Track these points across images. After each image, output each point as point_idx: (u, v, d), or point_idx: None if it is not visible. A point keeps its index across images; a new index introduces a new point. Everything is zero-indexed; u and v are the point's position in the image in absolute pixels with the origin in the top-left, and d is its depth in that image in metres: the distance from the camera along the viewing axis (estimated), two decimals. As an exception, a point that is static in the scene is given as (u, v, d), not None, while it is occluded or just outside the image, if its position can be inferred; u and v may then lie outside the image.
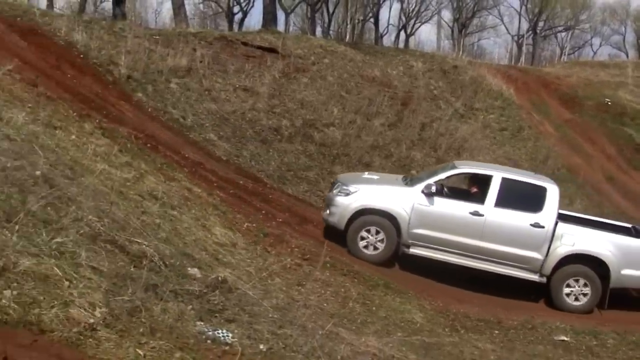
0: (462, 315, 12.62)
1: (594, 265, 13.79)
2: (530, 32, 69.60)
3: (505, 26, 72.36)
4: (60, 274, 5.33)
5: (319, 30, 52.76)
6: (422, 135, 22.87)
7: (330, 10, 57.11)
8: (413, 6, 64.91)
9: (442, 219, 13.88)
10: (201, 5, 66.32)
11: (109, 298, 5.41)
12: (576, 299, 13.87)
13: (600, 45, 77.47)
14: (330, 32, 56.52)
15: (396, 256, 14.16)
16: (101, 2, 63.70)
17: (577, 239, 13.89)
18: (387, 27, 66.46)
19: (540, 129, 27.78)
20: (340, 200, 14.28)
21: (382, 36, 62.99)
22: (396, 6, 65.46)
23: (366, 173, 16.45)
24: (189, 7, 42.47)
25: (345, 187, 14.44)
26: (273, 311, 7.60)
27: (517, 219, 13.83)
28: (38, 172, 7.04)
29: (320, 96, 22.03)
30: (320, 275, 11.06)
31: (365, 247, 14.01)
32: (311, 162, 18.88)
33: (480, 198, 14.05)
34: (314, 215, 15.41)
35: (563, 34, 73.46)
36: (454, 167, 15.08)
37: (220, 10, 63.41)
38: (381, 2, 60.80)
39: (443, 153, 22.32)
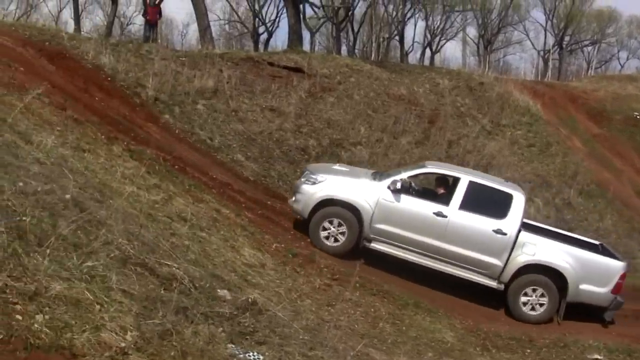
0: (493, 334, 12.52)
1: (553, 276, 13.73)
2: (556, 46, 69.27)
3: (530, 41, 72.21)
4: (91, 297, 5.33)
5: (344, 49, 52.83)
6: (450, 153, 22.80)
7: (355, 29, 57.17)
8: (438, 23, 64.98)
9: (405, 216, 13.88)
10: (227, 27, 66.86)
11: (140, 321, 5.40)
12: (532, 309, 13.80)
13: (627, 59, 77.09)
14: (356, 50, 56.61)
15: (356, 249, 14.05)
16: (127, 24, 64.34)
17: (538, 249, 13.81)
18: (413, 44, 66.55)
19: (569, 144, 27.61)
20: (307, 188, 14.34)
21: (407, 54, 63.02)
22: (421, 24, 65.77)
23: (337, 164, 16.55)
24: (214, 29, 42.74)
25: (312, 176, 14.50)
26: (303, 333, 7.56)
27: (480, 224, 13.78)
28: (68, 196, 7.05)
29: (346, 115, 22.04)
30: (349, 296, 11.00)
31: (327, 237, 14.03)
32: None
33: (446, 199, 14.05)
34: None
35: (589, 48, 73.19)
36: (423, 166, 15.22)
37: (246, 30, 63.89)
38: (406, 20, 60.84)
39: (471, 170, 22.25)
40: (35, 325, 4.70)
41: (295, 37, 31.71)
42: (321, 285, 11.49)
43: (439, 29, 65.53)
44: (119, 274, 5.94)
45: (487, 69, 42.14)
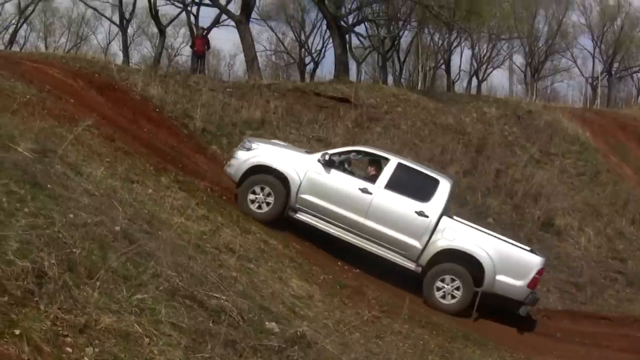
0: (544, 368, 12.31)
1: (470, 266, 13.76)
2: (605, 73, 68.38)
3: (578, 68, 71.30)
4: (140, 331, 5.31)
5: (390, 78, 52.84)
6: (498, 182, 22.63)
7: (402, 59, 57.14)
8: (484, 52, 64.61)
9: (331, 190, 14.12)
10: (273, 57, 67.26)
11: (189, 355, 5.36)
12: (445, 297, 13.87)
13: (678, 85, 75.76)
14: (402, 80, 56.52)
15: (281, 218, 14.29)
16: (175, 56, 65.06)
17: (458, 235, 13.95)
18: (459, 73, 66.35)
19: (619, 172, 27.26)
20: (241, 154, 14.74)
21: (454, 83, 62.84)
22: (467, 52, 65.20)
23: (275, 140, 16.89)
24: (261, 59, 43.09)
25: (248, 143, 14.97)
26: (353, 366, 7.48)
27: (404, 204, 13.96)
28: (117, 228, 7.07)
29: (393, 145, 21.96)
30: (398, 328, 10.86)
31: (253, 202, 14.20)
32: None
33: (374, 178, 14.29)
34: (390, 265, 15.22)
35: (639, 74, 72.16)
36: (355, 146, 15.77)
37: (292, 61, 64.21)
38: (452, 48, 60.70)
39: (519, 200, 22.03)
40: (85, 359, 4.68)
41: (341, 67, 31.84)
42: (369, 317, 11.34)
43: (486, 57, 65.17)
44: (167, 306, 5.92)
45: (534, 97, 41.89)
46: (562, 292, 18.45)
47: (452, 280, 13.79)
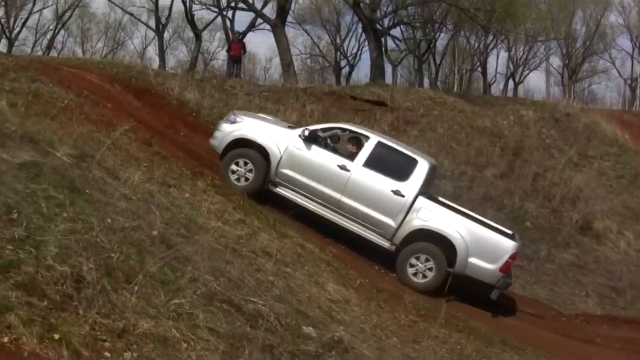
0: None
1: (444, 246, 13.80)
2: (644, 74, 67.57)
3: (617, 70, 70.32)
4: (178, 335, 5.33)
5: (426, 81, 52.60)
6: (535, 186, 22.43)
7: (437, 61, 56.90)
8: (521, 54, 64.02)
9: (310, 165, 14.27)
10: (308, 61, 67.27)
11: (227, 360, 5.37)
12: (417, 275, 13.89)
13: None
14: (438, 83, 56.24)
15: (261, 191, 14.47)
16: (211, 60, 65.35)
17: (432, 216, 13.99)
18: (495, 75, 65.68)
19: (659, 174, 26.87)
20: (225, 126, 15.05)
21: (490, 85, 62.28)
22: (503, 54, 64.58)
23: (262, 114, 16.97)
24: (296, 63, 43.17)
25: (233, 116, 15.24)
26: (390, 371, 7.44)
27: (381, 183, 14.05)
28: (155, 232, 7.09)
29: (430, 148, 21.88)
30: (435, 332, 10.79)
31: (234, 174, 14.47)
32: (422, 215, 18.65)
33: (354, 156, 14.37)
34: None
35: (680, 75, 71.13)
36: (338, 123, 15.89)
37: (328, 64, 64.17)
38: (488, 51, 60.29)
39: (557, 203, 21.82)
40: (123, 364, 4.71)
41: (377, 71, 31.80)
42: (406, 321, 11.31)
43: (522, 60, 64.59)
44: (205, 311, 5.93)
45: (572, 99, 41.39)
46: (601, 297, 18.25)
47: (426, 259, 13.86)
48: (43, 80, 14.78)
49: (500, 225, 15.13)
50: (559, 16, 58.47)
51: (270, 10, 42.48)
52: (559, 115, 28.40)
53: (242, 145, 14.60)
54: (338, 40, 62.16)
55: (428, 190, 14.89)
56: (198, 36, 45.28)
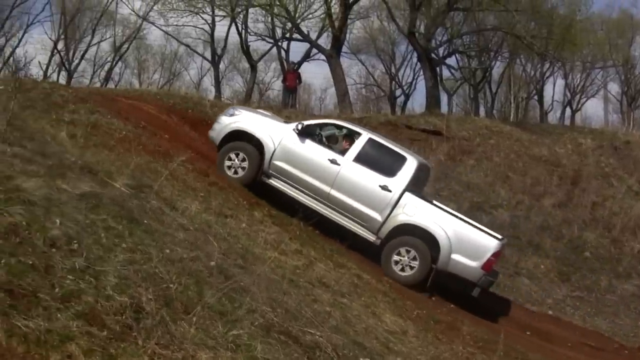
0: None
1: (428, 241, 14.04)
2: None
3: (678, 96, 69.27)
4: (236, 367, 5.31)
5: (482, 110, 52.34)
6: (594, 215, 22.02)
7: (493, 90, 56.60)
8: (578, 81, 63.37)
9: (302, 158, 14.64)
10: (363, 90, 67.40)
11: (285, 392, 5.33)
12: (402, 269, 14.06)
13: None
14: (494, 111, 55.92)
15: (254, 183, 14.81)
16: (266, 90, 65.82)
17: (418, 212, 14.27)
18: (552, 103, 65.11)
19: None
20: (223, 118, 15.67)
21: (547, 113, 61.73)
22: (560, 82, 63.99)
23: (261, 110, 17.71)
24: (351, 92, 43.22)
25: (232, 110, 16.09)
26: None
27: (369, 178, 14.38)
28: (213, 263, 7.11)
29: (486, 178, 21.72)
30: (493, 364, 10.63)
31: (229, 167, 14.87)
32: (480, 245, 18.46)
33: (345, 151, 14.71)
34: (485, 300, 14.99)
35: None
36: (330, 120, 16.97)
37: (383, 94, 64.19)
38: (545, 78, 59.79)
39: (618, 233, 21.38)
40: (182, 395, 4.70)
41: (433, 100, 31.74)
42: (464, 353, 11.15)
43: (580, 87, 63.92)
44: (263, 342, 5.90)
45: (631, 126, 40.86)
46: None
47: (410, 253, 14.05)
48: (101, 112, 15.01)
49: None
50: (617, 42, 57.80)
51: (325, 41, 42.78)
52: (618, 143, 27.94)
53: (239, 137, 15.06)
54: (393, 70, 62.20)
55: (418, 190, 15.18)
56: (253, 67, 45.69)
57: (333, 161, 14.45)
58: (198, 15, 46.32)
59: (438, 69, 39.33)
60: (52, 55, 56.54)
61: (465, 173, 21.76)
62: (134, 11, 55.14)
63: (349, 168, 14.42)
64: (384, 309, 11.31)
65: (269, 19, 43.40)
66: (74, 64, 57.87)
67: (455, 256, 13.92)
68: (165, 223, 8.13)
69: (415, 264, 13.96)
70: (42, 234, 5.84)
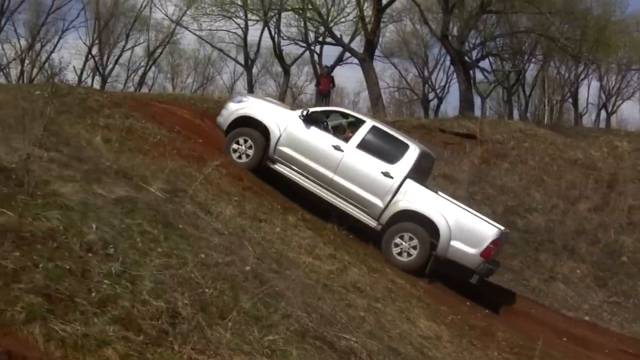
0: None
1: (428, 228, 14.20)
2: None
3: None
4: (272, 372, 5.30)
5: (515, 113, 51.99)
6: (631, 219, 21.75)
7: (527, 92, 56.22)
8: (613, 83, 62.72)
9: (306, 144, 14.88)
10: (396, 94, 67.25)
11: (321, 398, 5.31)
12: (402, 254, 14.21)
13: None
14: (528, 114, 55.50)
15: (259, 168, 15.15)
16: (299, 94, 65.88)
17: (418, 199, 14.46)
18: (587, 106, 64.41)
19: None
20: (231, 105, 16.09)
21: (581, 116, 61.12)
22: (595, 84, 63.34)
23: (269, 98, 18.54)
24: (384, 96, 43.19)
25: (239, 97, 16.85)
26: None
27: (371, 164, 14.59)
28: (248, 268, 7.12)
29: (521, 181, 21.58)
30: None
31: (235, 152, 15.22)
32: (514, 249, 18.35)
33: (349, 138, 14.95)
34: (519, 306, 14.88)
35: None
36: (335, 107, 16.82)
37: (416, 97, 64.00)
38: (579, 81, 59.26)
39: (656, 237, 21.12)
40: (218, 402, 4.69)
41: (466, 103, 31.61)
42: (499, 359, 11.08)
43: (615, 89, 63.26)
44: (298, 348, 5.88)
45: (668, 129, 40.34)
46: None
47: (410, 239, 14.21)
48: (136, 116, 15.09)
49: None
50: (653, 43, 57.02)
51: (357, 44, 42.78)
52: (655, 145, 27.64)
53: (246, 123, 15.33)
54: (426, 73, 61.95)
55: (422, 179, 15.25)
56: (286, 71, 45.78)
57: (337, 147, 14.68)
58: (231, 20, 46.56)
59: (471, 72, 39.10)
60: (86, 60, 57.07)
61: (499, 177, 21.62)
62: (167, 16, 55.57)
63: (352, 154, 14.66)
64: (418, 314, 11.25)
65: (302, 22, 43.54)
66: (108, 68, 58.44)
67: (454, 243, 14.07)
68: (200, 227, 8.15)
69: (415, 250, 14.14)
70: (79, 239, 5.87)
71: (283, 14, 42.29)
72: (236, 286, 6.52)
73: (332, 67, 41.90)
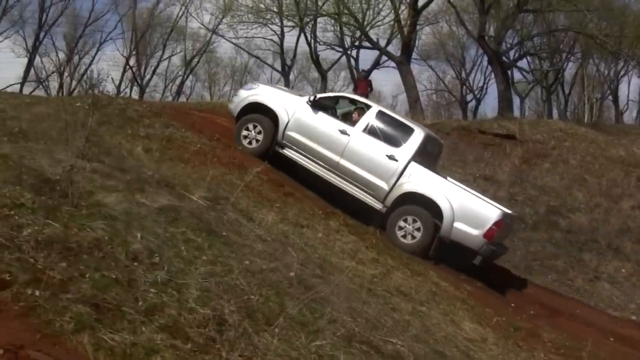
0: None
1: (432, 210, 14.31)
2: None
3: None
4: (321, 378, 5.29)
5: (555, 112, 51.56)
6: (677, 217, 21.44)
7: (566, 91, 55.69)
8: (654, 79, 61.93)
9: (313, 129, 15.12)
10: (434, 96, 67.02)
11: (370, 403, 5.29)
12: (405, 236, 14.32)
13: None
14: (567, 113, 54.99)
15: (268, 153, 15.26)
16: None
17: (423, 181, 14.58)
18: (627, 103, 63.68)
19: None
20: (242, 92, 16.66)
21: (622, 113, 60.41)
22: (635, 81, 62.78)
23: (279, 85, 18.92)
24: (422, 99, 43.04)
25: (250, 85, 17.28)
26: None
27: (377, 148, 14.77)
28: (292, 274, 7.12)
29: (562, 181, 21.36)
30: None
31: (245, 138, 15.62)
32: (558, 250, 18.15)
33: (356, 123, 15.18)
34: (565, 306, 14.72)
35: None
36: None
37: (454, 99, 63.71)
38: (619, 78, 58.57)
39: (703, 235, 20.78)
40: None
41: (505, 103, 31.41)
42: (546, 360, 10.96)
43: (655, 85, 62.45)
44: (346, 353, 5.88)
45: None
46: None
47: (414, 221, 14.33)
48: (175, 125, 15.20)
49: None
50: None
51: (394, 48, 42.72)
52: (700, 141, 27.25)
53: (256, 109, 15.67)
54: (463, 75, 61.69)
55: (429, 164, 15.33)
56: (323, 76, 45.87)
57: (343, 132, 14.90)
58: (267, 27, 46.67)
59: (509, 72, 38.79)
60: (124, 71, 57.87)
61: (540, 177, 21.43)
62: (203, 25, 55.99)
63: (358, 138, 14.86)
64: (463, 317, 11.17)
65: (338, 27, 43.53)
66: (146, 79, 59.08)
67: (457, 224, 14.15)
68: (243, 234, 8.18)
69: (419, 232, 14.25)
70: (124, 248, 5.92)
71: (319, 19, 42.45)
72: (281, 292, 6.53)
73: (370, 71, 41.69)
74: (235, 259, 6.81)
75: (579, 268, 17.18)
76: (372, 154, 14.76)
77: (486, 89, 60.56)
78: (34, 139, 8.63)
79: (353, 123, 15.16)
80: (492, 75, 39.79)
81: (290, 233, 10.19)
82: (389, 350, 6.70)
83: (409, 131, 14.98)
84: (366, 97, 31.29)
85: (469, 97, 61.82)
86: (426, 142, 15.12)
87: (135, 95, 53.96)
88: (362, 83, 30.95)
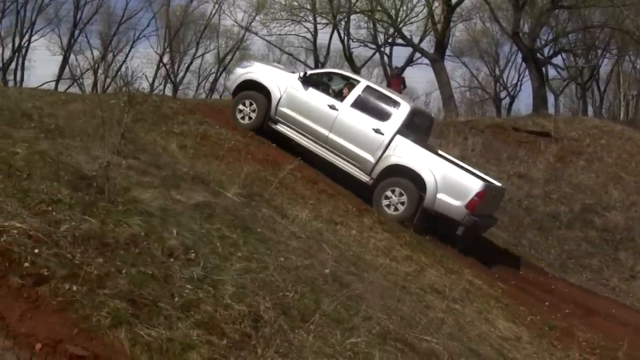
0: None
1: (416, 182, 14.51)
2: None
3: None
4: (357, 375, 5.29)
5: (590, 109, 51.03)
6: None
7: (602, 88, 55.10)
8: (689, 74, 61.06)
9: (304, 104, 15.52)
10: (467, 93, 66.59)
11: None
12: (390, 207, 14.57)
13: None
14: (602, 110, 54.42)
15: (261, 128, 15.86)
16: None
17: (407, 154, 14.79)
18: (664, 99, 62.96)
19: None
20: (238, 70, 17.33)
21: (658, 110, 59.69)
22: (672, 76, 61.74)
23: (274, 63, 19.72)
24: (456, 96, 42.76)
25: (246, 63, 17.81)
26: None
27: (364, 122, 15.06)
28: (327, 270, 7.13)
29: (598, 179, 21.14)
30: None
31: (240, 113, 16.15)
32: (593, 248, 17.97)
33: (344, 98, 15.52)
34: (600, 306, 14.57)
35: None
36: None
37: (487, 96, 63.26)
38: (656, 74, 57.79)
39: None
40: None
41: (539, 100, 31.14)
42: (581, 360, 10.87)
43: (693, 81, 61.56)
44: (381, 350, 5.87)
45: None
46: None
47: (399, 193, 14.60)
48: (210, 122, 15.28)
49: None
50: None
51: (427, 45, 42.53)
52: None
53: (250, 86, 16.12)
54: (497, 71, 61.16)
55: (419, 138, 15.51)
56: (357, 73, 45.69)
57: (332, 107, 15.26)
58: (300, 24, 46.63)
59: (544, 69, 38.51)
60: (158, 68, 58.06)
61: (575, 175, 21.22)
62: (236, 22, 56.19)
63: (346, 113, 15.18)
64: (497, 315, 11.12)
65: (371, 24, 43.34)
66: (179, 76, 59.25)
67: (441, 196, 14.34)
68: (277, 231, 8.19)
69: (404, 203, 14.48)
70: (160, 244, 5.95)
71: (352, 16, 42.26)
72: (316, 289, 6.53)
73: (403, 68, 41.56)
74: (270, 256, 6.82)
75: (614, 267, 17.01)
76: (359, 128, 15.06)
77: (520, 86, 59.97)
78: (70, 135, 8.68)
79: (342, 98, 15.51)
80: (526, 72, 39.49)
81: (324, 230, 10.20)
82: (423, 348, 6.69)
83: (395, 105, 15.25)
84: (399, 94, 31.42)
85: (503, 94, 61.30)
86: (413, 115, 15.46)
87: (168, 92, 54.18)
88: (395, 80, 30.90)
